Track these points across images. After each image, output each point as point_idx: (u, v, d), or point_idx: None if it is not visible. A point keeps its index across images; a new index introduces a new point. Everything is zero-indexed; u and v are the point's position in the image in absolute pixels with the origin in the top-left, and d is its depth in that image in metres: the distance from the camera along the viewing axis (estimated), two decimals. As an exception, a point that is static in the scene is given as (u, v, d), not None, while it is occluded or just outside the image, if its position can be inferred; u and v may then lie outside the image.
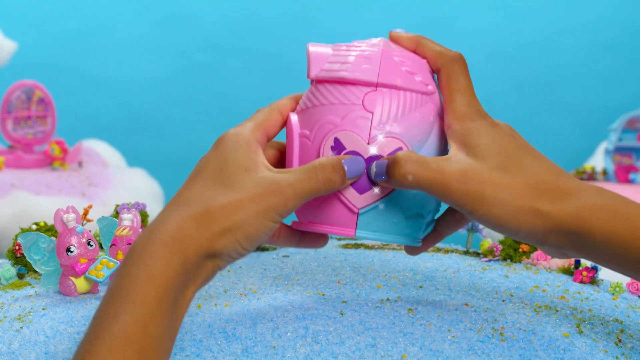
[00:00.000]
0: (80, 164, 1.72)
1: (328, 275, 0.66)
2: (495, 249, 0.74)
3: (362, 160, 0.52)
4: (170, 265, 0.46)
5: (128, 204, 0.75)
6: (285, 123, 0.56)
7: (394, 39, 0.56)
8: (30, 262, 0.63)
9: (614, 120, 1.84)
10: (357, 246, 0.77)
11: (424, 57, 0.55)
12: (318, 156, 0.53)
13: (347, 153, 0.52)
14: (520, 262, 0.73)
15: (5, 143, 1.80)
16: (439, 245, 0.78)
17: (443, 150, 0.55)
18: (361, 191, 0.53)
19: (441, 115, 0.54)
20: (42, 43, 2.46)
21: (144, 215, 0.75)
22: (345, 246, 0.77)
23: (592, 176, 1.77)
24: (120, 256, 0.63)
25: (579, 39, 2.60)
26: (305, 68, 0.56)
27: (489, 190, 0.49)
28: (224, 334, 0.53)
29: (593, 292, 0.65)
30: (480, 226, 0.77)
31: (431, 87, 0.54)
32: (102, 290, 0.63)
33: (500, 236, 0.75)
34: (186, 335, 0.52)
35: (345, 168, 0.51)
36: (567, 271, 0.71)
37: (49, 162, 1.70)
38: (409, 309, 0.57)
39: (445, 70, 0.54)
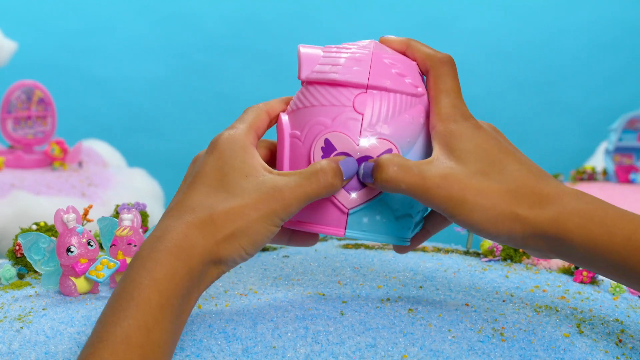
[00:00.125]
0: (80, 164, 1.72)
1: (328, 275, 0.66)
2: (495, 249, 0.74)
3: (355, 161, 0.53)
4: (176, 273, 0.47)
5: (128, 204, 0.75)
6: (272, 124, 0.56)
7: (384, 42, 0.57)
8: (31, 262, 0.63)
9: (614, 120, 1.84)
10: (357, 246, 0.77)
11: (413, 60, 0.56)
12: (309, 156, 0.54)
13: (337, 154, 0.53)
14: (520, 262, 0.73)
15: (5, 143, 1.80)
16: (439, 245, 0.79)
17: (432, 151, 0.55)
18: (352, 190, 0.53)
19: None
20: (42, 43, 2.46)
21: (144, 216, 0.75)
22: (346, 246, 0.77)
23: (592, 176, 1.77)
24: (121, 256, 0.63)
25: (579, 39, 2.60)
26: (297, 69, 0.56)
27: (470, 196, 0.50)
28: (224, 334, 0.53)
29: (593, 292, 0.65)
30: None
31: (421, 89, 0.55)
32: (103, 290, 0.63)
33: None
34: (186, 335, 0.52)
35: (343, 169, 0.52)
36: (567, 271, 0.71)
37: (49, 162, 1.70)
38: (409, 309, 0.57)
39: (434, 72, 0.54)
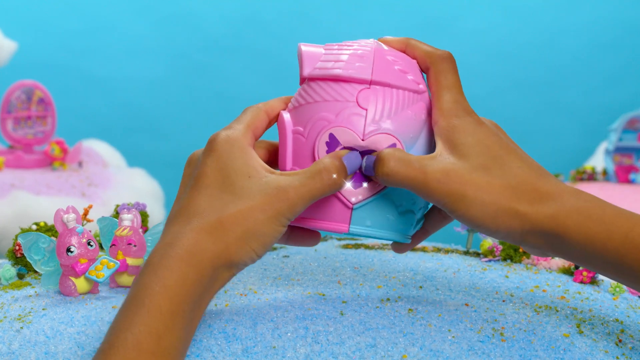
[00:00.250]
0: (80, 164, 1.72)
1: (328, 275, 0.66)
2: (495, 249, 0.74)
3: (358, 154, 0.53)
4: (187, 279, 0.47)
5: (128, 204, 0.75)
6: (271, 124, 0.57)
7: (383, 42, 0.57)
8: (31, 262, 0.63)
9: (614, 120, 1.84)
10: (357, 246, 0.77)
11: (413, 58, 0.56)
12: (313, 152, 0.54)
13: (342, 149, 0.53)
14: (520, 262, 0.73)
15: (5, 143, 1.80)
16: (439, 245, 0.79)
17: (434, 148, 0.55)
18: (356, 186, 0.53)
19: (431, 114, 0.55)
20: (42, 43, 2.46)
21: (144, 216, 0.75)
22: (346, 246, 0.77)
23: (592, 176, 1.77)
24: (120, 256, 0.63)
25: (579, 39, 2.60)
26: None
27: (470, 191, 0.50)
28: (224, 334, 0.53)
29: (593, 292, 0.65)
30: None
31: (422, 86, 0.55)
32: (102, 290, 0.63)
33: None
34: (186, 336, 0.52)
35: (346, 164, 0.52)
36: (567, 271, 0.71)
37: (49, 162, 1.70)
38: (409, 309, 0.57)
39: (434, 68, 0.55)
